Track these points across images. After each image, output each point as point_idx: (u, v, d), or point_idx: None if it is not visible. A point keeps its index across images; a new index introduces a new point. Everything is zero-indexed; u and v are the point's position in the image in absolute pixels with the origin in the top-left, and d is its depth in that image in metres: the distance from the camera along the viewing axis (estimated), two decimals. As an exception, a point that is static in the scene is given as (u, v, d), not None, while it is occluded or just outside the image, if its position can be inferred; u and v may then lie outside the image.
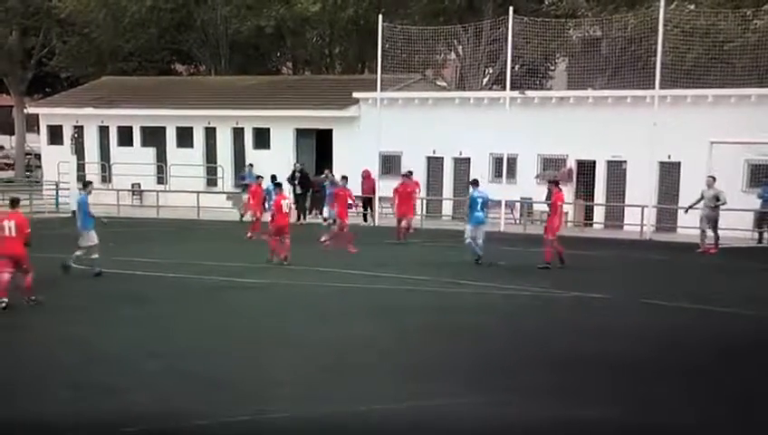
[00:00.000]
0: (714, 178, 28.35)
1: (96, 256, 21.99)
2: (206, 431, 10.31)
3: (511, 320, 17.35)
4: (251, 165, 35.81)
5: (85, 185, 23.95)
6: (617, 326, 16.56)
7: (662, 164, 33.06)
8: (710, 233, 27.98)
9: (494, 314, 17.88)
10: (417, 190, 33.59)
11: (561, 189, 26.01)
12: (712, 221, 27.91)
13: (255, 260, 24.49)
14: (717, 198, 27.85)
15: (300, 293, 20.19)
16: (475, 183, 25.94)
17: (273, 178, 30.84)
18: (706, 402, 11.72)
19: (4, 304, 17.50)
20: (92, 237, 22.07)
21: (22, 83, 59.09)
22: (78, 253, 22.21)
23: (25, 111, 57.58)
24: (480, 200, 24.83)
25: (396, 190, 30.87)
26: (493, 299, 19.48)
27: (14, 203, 18.82)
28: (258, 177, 32.23)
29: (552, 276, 22.31)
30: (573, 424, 10.74)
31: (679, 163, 33.09)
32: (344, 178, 29.62)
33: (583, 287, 20.48)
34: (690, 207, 28.98)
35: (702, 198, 28.24)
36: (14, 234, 17.90)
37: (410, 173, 32.43)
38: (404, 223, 30.04)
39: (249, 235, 29.44)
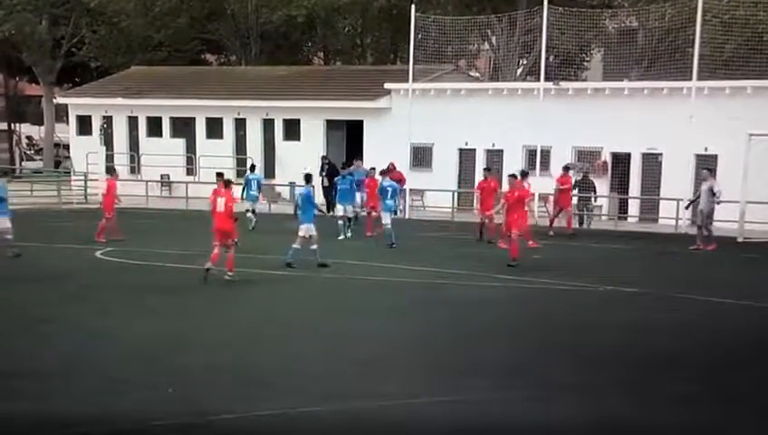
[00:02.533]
0: (709, 171, 28.17)
1: None
2: (234, 425, 10.34)
3: (543, 315, 17.28)
4: (253, 166, 35.34)
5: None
6: (651, 321, 16.47)
7: (699, 157, 32.87)
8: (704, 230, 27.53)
9: (527, 308, 17.84)
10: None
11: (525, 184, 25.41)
12: (707, 216, 27.51)
13: (281, 252, 24.54)
14: (712, 192, 27.45)
15: (332, 285, 20.22)
16: (383, 173, 28.41)
17: (253, 167, 32.93)
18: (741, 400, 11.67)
19: (229, 276, 19.95)
20: None
21: (51, 73, 59.44)
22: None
23: (54, 100, 57.96)
24: (390, 189, 27.10)
25: (479, 187, 29.85)
26: (525, 293, 19.42)
27: (227, 183, 20.79)
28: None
29: (585, 271, 22.23)
30: (605, 419, 10.72)
31: (716, 156, 32.86)
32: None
33: (617, 282, 20.40)
34: (691, 202, 28.85)
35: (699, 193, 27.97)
36: (222, 209, 20.06)
37: (489, 170, 31.68)
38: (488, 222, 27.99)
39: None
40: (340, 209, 28.60)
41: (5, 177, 23.70)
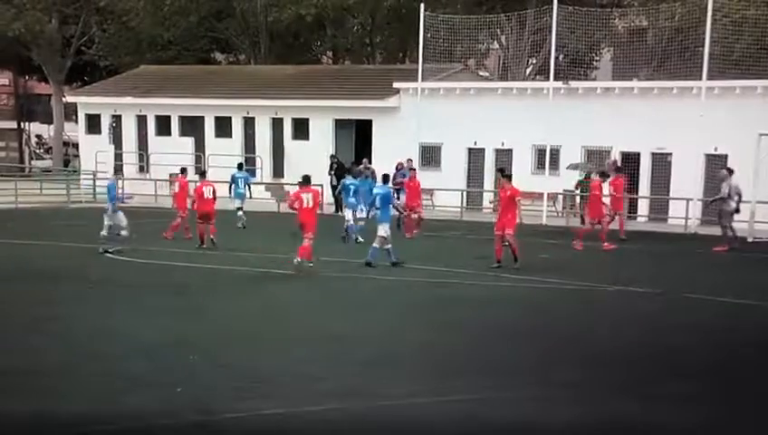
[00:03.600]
0: (728, 171, 27.77)
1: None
2: (240, 424, 10.34)
3: (551, 314, 17.24)
4: (240, 164, 35.26)
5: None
6: (660, 321, 16.45)
7: (708, 156, 32.78)
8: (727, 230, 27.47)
9: (534, 308, 17.79)
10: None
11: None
12: (725, 215, 27.33)
13: (292, 251, 24.56)
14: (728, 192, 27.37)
15: (339, 285, 20.23)
16: (349, 171, 29.46)
17: (240, 166, 33.04)
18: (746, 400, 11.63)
19: (311, 265, 21.36)
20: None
21: (60, 72, 59.52)
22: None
23: (64, 99, 58.04)
24: (352, 188, 27.83)
25: (612, 184, 28.73)
26: (534, 293, 19.39)
27: (307, 180, 22.34)
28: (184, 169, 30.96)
29: (594, 271, 22.19)
30: (610, 419, 10.70)
31: (726, 156, 32.75)
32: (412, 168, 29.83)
33: (626, 281, 20.36)
34: (713, 200, 28.59)
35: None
36: (311, 205, 21.63)
37: (620, 168, 30.65)
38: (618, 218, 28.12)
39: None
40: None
41: (117, 174, 24.73)
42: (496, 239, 22.57)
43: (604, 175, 28.07)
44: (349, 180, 28.57)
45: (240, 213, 30.89)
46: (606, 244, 26.46)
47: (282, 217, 32.16)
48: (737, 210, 27.15)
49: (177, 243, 26.32)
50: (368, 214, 24.24)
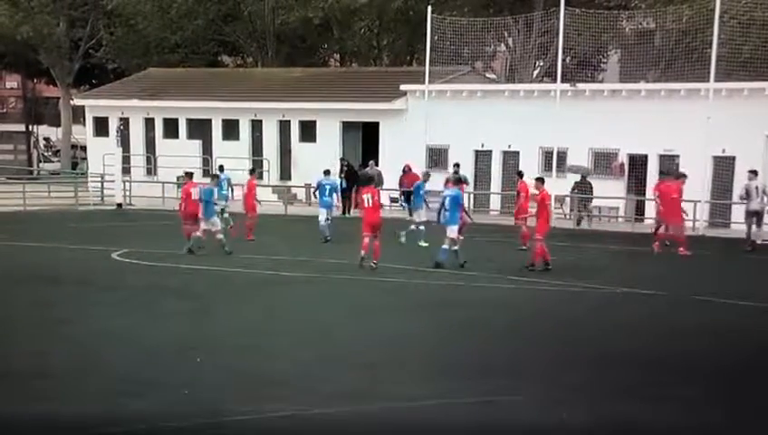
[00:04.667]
0: (753, 172, 27.72)
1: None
2: (247, 426, 10.32)
3: (557, 316, 17.18)
4: (221, 166, 35.27)
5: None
6: (666, 324, 16.41)
7: (716, 158, 32.70)
8: (754, 229, 27.51)
9: (540, 310, 17.76)
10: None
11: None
12: (752, 216, 27.39)
13: (299, 254, 24.58)
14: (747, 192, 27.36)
15: (346, 287, 20.19)
16: (327, 173, 29.87)
17: (221, 167, 32.84)
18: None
19: (374, 265, 21.99)
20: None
21: (68, 75, 59.65)
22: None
23: (72, 102, 58.19)
24: (328, 187, 28.71)
25: (658, 189, 28.18)
26: (540, 295, 19.37)
27: (370, 180, 23.93)
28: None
29: (601, 273, 22.12)
30: (615, 421, 10.66)
31: (734, 157, 32.69)
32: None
33: (633, 283, 20.30)
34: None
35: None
36: (371, 204, 22.52)
37: (668, 173, 29.92)
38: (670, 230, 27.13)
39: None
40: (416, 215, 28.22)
41: (215, 179, 25.27)
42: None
43: (681, 176, 27.71)
44: (325, 180, 29.19)
45: (227, 215, 30.94)
46: (682, 249, 25.81)
47: (288, 220, 32.14)
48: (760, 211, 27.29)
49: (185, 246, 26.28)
50: (439, 216, 23.99)
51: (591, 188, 34.42)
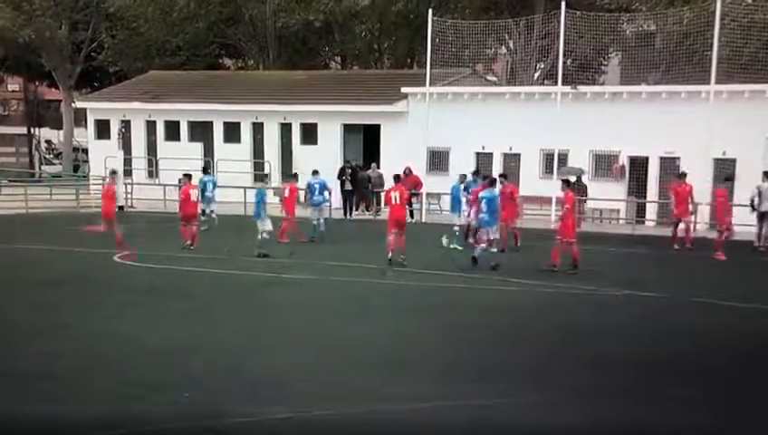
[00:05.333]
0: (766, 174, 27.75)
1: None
2: (248, 428, 10.32)
3: (557, 318, 17.20)
4: (205, 168, 35.44)
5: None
6: (668, 325, 16.42)
7: (717, 160, 32.69)
8: (765, 230, 27.58)
9: (542, 312, 17.77)
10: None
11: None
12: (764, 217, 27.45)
13: (300, 256, 24.57)
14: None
15: (348, 289, 20.20)
16: (315, 173, 30.37)
17: (205, 169, 33.58)
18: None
19: (402, 258, 22.94)
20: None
21: (70, 78, 59.67)
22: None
23: (73, 105, 58.15)
24: (317, 186, 29.34)
25: (673, 189, 28.51)
26: (542, 297, 19.36)
27: (398, 178, 24.83)
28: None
29: (603, 275, 22.10)
30: (618, 423, 10.66)
31: (735, 160, 32.68)
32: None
33: (635, 286, 20.30)
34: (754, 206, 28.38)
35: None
36: (399, 202, 23.50)
37: (684, 175, 29.17)
38: (681, 226, 27.81)
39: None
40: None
41: (263, 181, 25.71)
42: (565, 246, 22.73)
43: (729, 179, 27.72)
44: (313, 179, 29.82)
45: (214, 216, 31.71)
46: (719, 253, 25.74)
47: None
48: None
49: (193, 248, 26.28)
50: (476, 217, 24.23)
51: (586, 189, 34.40)
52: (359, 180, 37.83)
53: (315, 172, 30.76)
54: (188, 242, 26.28)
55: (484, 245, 22.76)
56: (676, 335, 15.61)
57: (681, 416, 10.97)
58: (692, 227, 28.42)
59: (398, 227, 23.45)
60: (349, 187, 37.17)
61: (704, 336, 15.64)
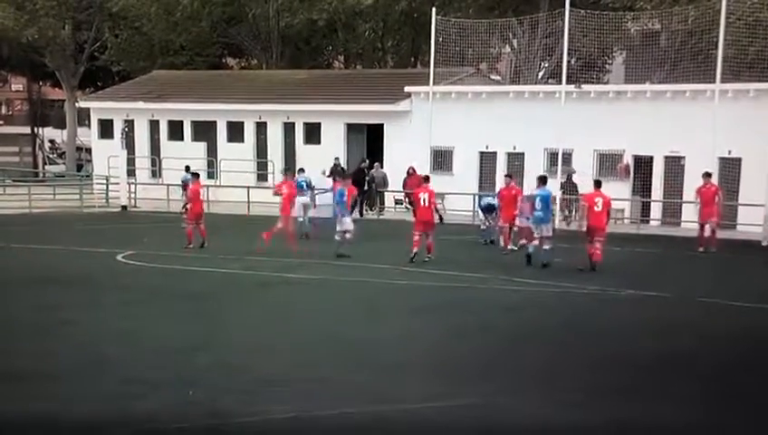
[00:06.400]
0: None
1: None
2: (253, 427, 10.34)
3: (561, 318, 17.18)
4: (188, 166, 35.54)
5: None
6: (671, 325, 16.39)
7: (722, 160, 32.60)
8: None
9: (545, 312, 17.77)
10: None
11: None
12: None
13: (304, 256, 24.54)
14: None
15: (350, 288, 20.18)
16: (301, 171, 31.68)
17: (187, 168, 33.59)
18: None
19: (428, 258, 23.56)
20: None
21: (74, 77, 59.65)
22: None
23: (77, 104, 58.16)
24: (304, 184, 30.27)
25: (699, 191, 27.97)
26: (545, 297, 19.37)
27: (427, 179, 25.60)
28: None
29: (606, 274, 22.03)
30: (620, 422, 10.63)
31: (740, 159, 32.59)
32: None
33: (638, 286, 20.27)
34: None
35: None
36: (427, 204, 24.03)
37: (709, 175, 28.95)
38: (707, 230, 27.33)
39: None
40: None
41: (345, 180, 25.70)
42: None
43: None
44: (299, 177, 30.68)
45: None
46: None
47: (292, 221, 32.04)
48: None
49: (198, 248, 26.25)
50: (531, 214, 24.54)
51: (576, 187, 34.17)
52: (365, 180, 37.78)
53: (301, 170, 31.83)
54: (201, 240, 26.31)
55: (547, 246, 23.17)
56: (678, 335, 15.58)
57: (680, 415, 10.91)
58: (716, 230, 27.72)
59: (425, 228, 23.92)
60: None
61: (708, 335, 15.62)
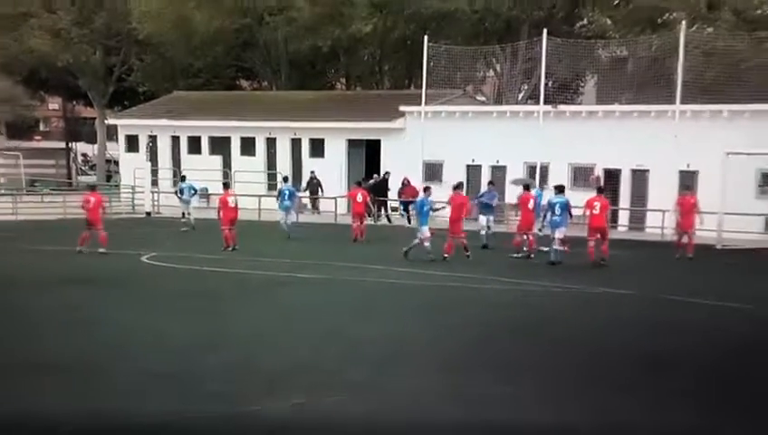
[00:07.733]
0: None
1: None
2: (261, 416, 10.18)
3: (551, 315, 16.97)
4: (183, 176, 35.65)
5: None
6: (644, 322, 16.31)
7: (682, 172, 32.70)
8: None
9: (528, 310, 17.57)
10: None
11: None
12: None
13: (313, 257, 24.54)
14: None
15: (358, 289, 19.98)
16: (285, 180, 32.64)
17: (183, 177, 34.90)
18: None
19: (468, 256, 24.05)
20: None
21: (104, 97, 59.73)
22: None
23: (106, 122, 58.15)
24: (287, 192, 30.58)
25: (679, 202, 27.29)
26: (526, 296, 19.29)
27: (460, 186, 26.17)
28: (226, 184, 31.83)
29: (582, 275, 22.05)
30: (611, 419, 10.60)
31: (697, 172, 32.72)
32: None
33: (612, 285, 20.28)
34: None
35: None
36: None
37: (689, 187, 29.27)
38: (684, 238, 26.60)
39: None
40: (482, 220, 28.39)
41: (426, 192, 25.30)
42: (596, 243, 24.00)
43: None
44: (284, 186, 31.21)
45: (192, 218, 32.73)
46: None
47: (303, 226, 32.09)
48: None
49: (207, 249, 26.24)
50: (542, 222, 25.09)
51: None
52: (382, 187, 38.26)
53: (285, 179, 32.91)
54: (232, 245, 26.31)
55: (557, 246, 23.69)
56: (656, 331, 15.42)
57: (679, 412, 10.72)
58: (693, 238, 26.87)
59: (457, 231, 24.61)
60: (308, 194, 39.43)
61: (678, 332, 15.45)
